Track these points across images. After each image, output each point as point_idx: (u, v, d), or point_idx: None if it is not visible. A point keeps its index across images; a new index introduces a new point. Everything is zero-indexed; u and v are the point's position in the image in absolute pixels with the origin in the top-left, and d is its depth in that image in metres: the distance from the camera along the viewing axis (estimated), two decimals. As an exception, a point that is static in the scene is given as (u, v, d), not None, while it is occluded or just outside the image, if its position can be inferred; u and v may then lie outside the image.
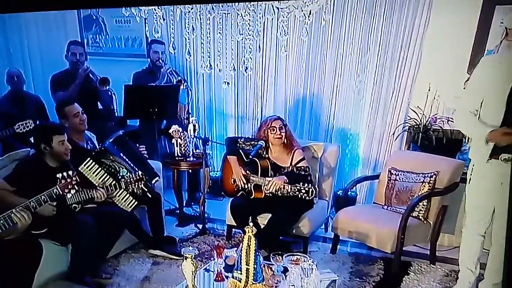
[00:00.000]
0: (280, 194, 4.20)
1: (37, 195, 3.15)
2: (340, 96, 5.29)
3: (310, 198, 4.02)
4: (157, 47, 5.46)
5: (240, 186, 4.41)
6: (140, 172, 3.95)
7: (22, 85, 5.43)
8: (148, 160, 4.50)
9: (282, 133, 4.37)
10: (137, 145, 4.56)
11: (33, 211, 3.13)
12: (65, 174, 3.19)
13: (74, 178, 3.21)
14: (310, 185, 4.05)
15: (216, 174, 5.51)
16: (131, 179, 3.88)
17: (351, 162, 5.45)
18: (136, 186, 3.89)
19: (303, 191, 3.97)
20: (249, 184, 4.36)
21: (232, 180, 4.49)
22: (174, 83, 5.42)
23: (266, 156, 4.46)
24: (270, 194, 4.21)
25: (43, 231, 3.51)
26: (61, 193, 3.19)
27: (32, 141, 3.84)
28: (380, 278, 4.00)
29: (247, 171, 4.38)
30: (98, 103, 5.52)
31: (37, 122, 5.27)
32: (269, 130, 4.39)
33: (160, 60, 5.46)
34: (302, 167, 4.30)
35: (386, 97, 5.03)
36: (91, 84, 5.25)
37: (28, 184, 3.42)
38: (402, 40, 4.81)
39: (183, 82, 5.44)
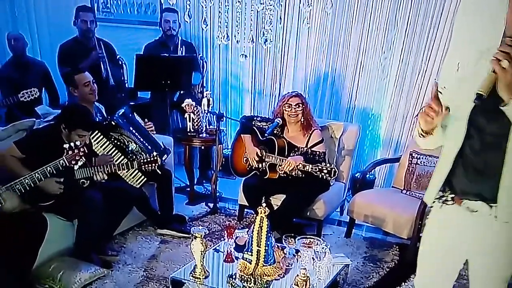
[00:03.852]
0: (295, 175, 4.29)
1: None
2: (363, 74, 5.34)
3: (332, 178, 4.08)
4: (168, 15, 5.51)
5: (253, 165, 4.51)
6: (155, 153, 4.00)
7: (25, 49, 5.51)
8: (155, 137, 4.54)
9: (298, 111, 4.41)
10: (145, 120, 4.62)
11: (38, 184, 3.25)
12: (72, 144, 3.28)
13: (81, 149, 3.31)
14: (331, 165, 4.12)
15: (229, 151, 5.60)
16: (144, 160, 3.94)
17: (371, 144, 5.53)
18: (149, 166, 3.96)
19: (325, 170, 4.02)
20: (263, 164, 4.45)
21: (245, 159, 4.61)
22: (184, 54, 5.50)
23: (282, 135, 4.53)
24: (285, 175, 4.30)
25: (49, 203, 3.59)
26: (67, 164, 3.28)
27: (56, 116, 3.89)
28: (394, 264, 4.12)
29: (263, 150, 4.44)
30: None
31: (43, 90, 5.41)
32: (284, 107, 4.45)
33: (172, 30, 5.53)
34: (317, 152, 4.35)
35: (412, 77, 5.07)
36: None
37: (38, 154, 3.46)
38: (432, 17, 4.83)
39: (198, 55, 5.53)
